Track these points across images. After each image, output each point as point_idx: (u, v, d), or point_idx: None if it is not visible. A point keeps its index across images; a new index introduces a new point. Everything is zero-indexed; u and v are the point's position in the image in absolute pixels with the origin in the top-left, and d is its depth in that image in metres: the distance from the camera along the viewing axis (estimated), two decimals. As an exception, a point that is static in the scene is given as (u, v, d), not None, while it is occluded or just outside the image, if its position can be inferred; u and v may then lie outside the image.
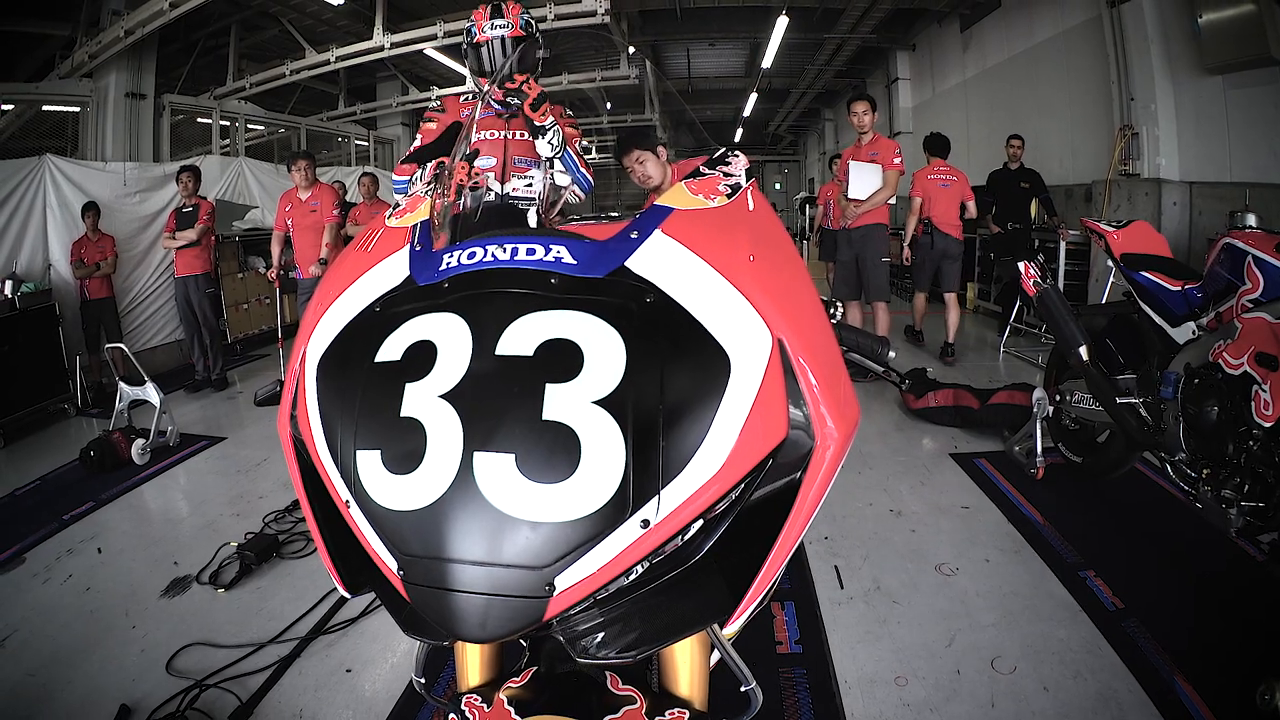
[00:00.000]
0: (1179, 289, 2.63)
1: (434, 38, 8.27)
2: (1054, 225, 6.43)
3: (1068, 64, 7.58)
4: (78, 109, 7.62)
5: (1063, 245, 6.22)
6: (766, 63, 12.54)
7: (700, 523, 0.67)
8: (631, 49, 11.19)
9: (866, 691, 1.91)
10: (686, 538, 0.67)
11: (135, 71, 7.77)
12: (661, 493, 0.62)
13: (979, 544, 2.71)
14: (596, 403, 0.62)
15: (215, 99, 9.42)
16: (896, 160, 4.94)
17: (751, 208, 0.88)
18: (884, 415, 4.34)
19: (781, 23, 10.16)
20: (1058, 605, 2.29)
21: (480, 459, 0.61)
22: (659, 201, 0.83)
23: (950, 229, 5.77)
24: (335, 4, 8.64)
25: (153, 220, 7.22)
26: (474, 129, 2.57)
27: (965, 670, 1.99)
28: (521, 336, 0.65)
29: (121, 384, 4.53)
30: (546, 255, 0.72)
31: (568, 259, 0.72)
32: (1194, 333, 2.53)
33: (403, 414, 0.63)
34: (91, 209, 6.23)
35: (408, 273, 0.75)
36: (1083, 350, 2.80)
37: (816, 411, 0.71)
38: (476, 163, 2.11)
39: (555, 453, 0.61)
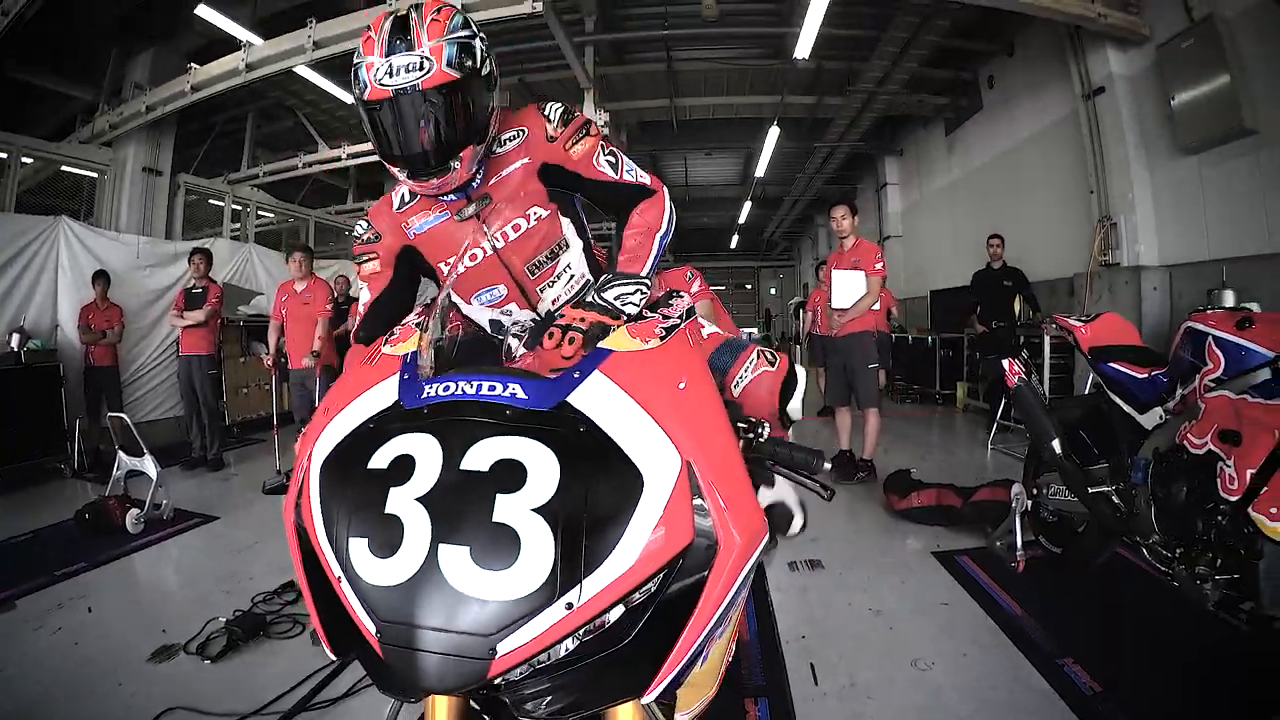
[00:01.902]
0: (1145, 376, 2.71)
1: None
2: (1038, 321, 6.59)
3: (1048, 160, 7.96)
4: (95, 174, 7.95)
5: (1047, 341, 6.35)
6: (759, 171, 13.13)
7: (622, 609, 0.81)
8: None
9: None
10: (612, 622, 0.81)
11: (154, 147, 8.15)
12: (583, 582, 0.77)
13: (957, 638, 2.70)
14: (534, 509, 0.78)
15: (229, 183, 9.84)
16: (878, 266, 5.06)
17: (691, 343, 1.07)
18: (868, 516, 4.36)
19: (773, 133, 10.70)
20: (1034, 694, 2.29)
21: (444, 549, 0.76)
22: (602, 345, 1.01)
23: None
24: (349, 101, 9.16)
25: (160, 295, 7.45)
26: (453, 269, 1.76)
27: None
28: (480, 455, 0.82)
29: (121, 453, 4.62)
30: (504, 391, 0.89)
31: (520, 394, 0.89)
32: (1161, 418, 2.61)
33: (386, 511, 0.79)
34: (102, 277, 6.46)
35: (396, 397, 0.93)
36: (1055, 443, 2.89)
37: (720, 520, 0.86)
38: (480, 309, 1.84)
39: (500, 547, 0.76)
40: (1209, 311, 2.51)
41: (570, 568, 0.77)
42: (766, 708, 2.29)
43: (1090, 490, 2.77)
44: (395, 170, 1.52)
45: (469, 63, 1.40)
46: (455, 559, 0.76)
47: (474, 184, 1.61)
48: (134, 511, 4.27)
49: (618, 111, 10.72)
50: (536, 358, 1.32)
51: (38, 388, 5.95)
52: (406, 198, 1.69)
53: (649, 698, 0.83)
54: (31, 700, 2.42)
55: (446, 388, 0.91)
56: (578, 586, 0.77)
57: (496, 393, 0.89)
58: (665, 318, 1.11)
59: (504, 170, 1.63)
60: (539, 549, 0.76)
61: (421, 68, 1.36)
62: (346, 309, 7.26)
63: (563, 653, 0.80)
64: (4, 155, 7.01)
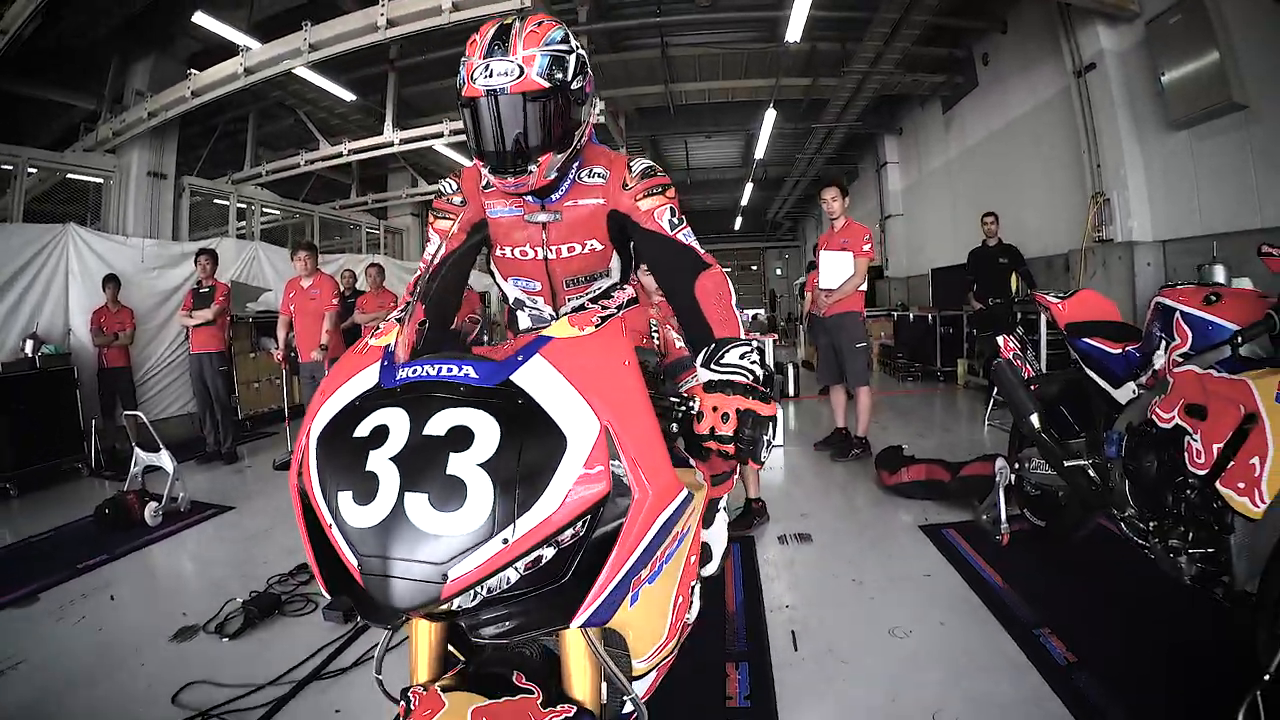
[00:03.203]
0: (1119, 351, 2.77)
1: (440, 135, 8.80)
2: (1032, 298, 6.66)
3: (1042, 137, 7.97)
4: (100, 180, 8.05)
5: (1044, 317, 6.37)
6: (759, 153, 13.16)
7: (553, 549, 1.00)
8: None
9: None
10: (547, 560, 1.00)
11: (157, 151, 8.25)
12: (516, 521, 0.95)
13: (936, 608, 2.79)
14: (479, 465, 0.96)
15: (233, 183, 9.94)
16: (866, 247, 5.09)
17: (624, 330, 1.24)
18: (860, 492, 4.48)
19: (770, 115, 10.71)
20: (1008, 662, 2.36)
21: (409, 496, 0.94)
22: (545, 332, 1.18)
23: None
24: (348, 100, 9.23)
25: (170, 296, 7.58)
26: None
27: None
28: (439, 423, 1.00)
29: (137, 449, 4.78)
30: (459, 372, 1.08)
31: (472, 374, 1.07)
32: (1134, 392, 2.65)
33: (366, 469, 0.97)
34: (112, 281, 6.60)
35: (378, 379, 1.11)
36: (1033, 418, 2.94)
37: (634, 475, 1.04)
38: (513, 286, 2.00)
39: (452, 494, 0.94)
40: (1179, 287, 2.54)
41: (505, 510, 0.94)
42: (747, 671, 2.41)
43: (1066, 464, 2.83)
44: (481, 164, 1.65)
45: (559, 75, 1.52)
46: (417, 504, 0.94)
47: (554, 196, 1.76)
48: (152, 505, 4.43)
49: (614, 98, 10.78)
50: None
51: (53, 391, 6.10)
52: (491, 180, 1.75)
53: (576, 623, 1.01)
54: (58, 683, 2.58)
55: (415, 370, 1.09)
56: (511, 525, 0.94)
57: (454, 373, 1.07)
58: (604, 308, 1.26)
59: (581, 199, 1.77)
60: (481, 495, 0.94)
61: (513, 73, 1.49)
62: (353, 303, 7.39)
63: (506, 584, 0.98)
64: (9, 167, 7.12)
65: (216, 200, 9.80)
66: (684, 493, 1.17)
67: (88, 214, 8.00)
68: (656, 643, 1.29)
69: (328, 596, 1.02)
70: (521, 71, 1.49)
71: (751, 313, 11.52)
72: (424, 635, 1.20)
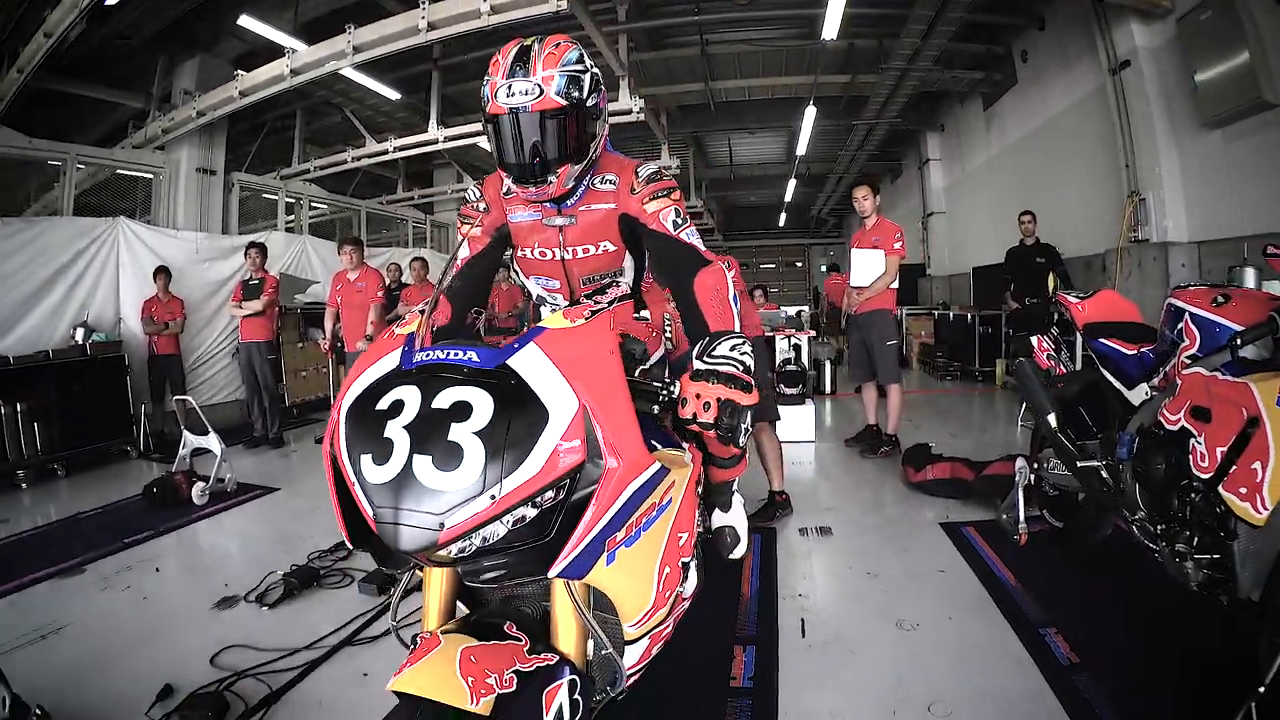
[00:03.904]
0: (1134, 353, 2.74)
1: (483, 133, 8.94)
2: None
3: (1080, 135, 7.83)
4: (150, 176, 8.30)
5: (1078, 318, 6.32)
6: (801, 150, 13.07)
7: (535, 509, 1.15)
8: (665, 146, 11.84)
9: None
10: (531, 518, 1.16)
11: (206, 149, 8.46)
12: (502, 481, 1.11)
13: (946, 603, 2.82)
14: (474, 433, 1.12)
15: (281, 179, 10.21)
16: (897, 245, 5.10)
17: (613, 323, 1.39)
18: (885, 488, 4.50)
19: (810, 112, 10.64)
20: (1011, 659, 2.38)
21: (416, 458, 1.10)
22: (541, 323, 1.35)
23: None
24: (393, 99, 9.44)
25: (220, 287, 7.84)
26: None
27: (901, 712, 2.12)
28: (444, 398, 1.17)
29: (186, 432, 5.01)
30: (464, 356, 1.25)
31: (475, 359, 1.24)
32: (1147, 394, 2.62)
33: (384, 436, 1.14)
34: (163, 272, 6.87)
35: (398, 362, 1.28)
36: (1050, 418, 2.93)
37: (606, 447, 1.22)
38: (535, 284, 2.16)
39: (451, 457, 1.10)
40: (1190, 288, 2.51)
41: (494, 472, 1.11)
42: (753, 654, 2.49)
43: (1079, 465, 2.81)
44: (505, 175, 1.82)
45: (575, 94, 1.68)
46: (423, 464, 1.10)
47: (569, 201, 1.90)
48: (199, 485, 4.64)
49: (655, 96, 10.81)
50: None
51: (104, 377, 6.36)
52: (512, 188, 1.90)
53: (552, 572, 1.18)
54: (101, 644, 2.77)
55: (429, 354, 1.27)
56: (498, 484, 1.11)
57: (459, 357, 1.25)
58: (596, 303, 1.42)
59: (594, 204, 1.91)
60: (475, 459, 1.11)
61: (533, 93, 1.63)
62: (398, 295, 7.58)
63: (496, 537, 1.14)
64: (58, 162, 7.38)
65: (265, 195, 10.07)
66: (655, 467, 1.34)
67: (137, 208, 8.26)
68: (643, 608, 1.39)
69: (350, 548, 1.22)
70: (541, 91, 1.63)
71: (795, 309, 11.39)
72: (435, 590, 1.37)
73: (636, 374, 1.55)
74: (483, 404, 1.15)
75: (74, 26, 5.94)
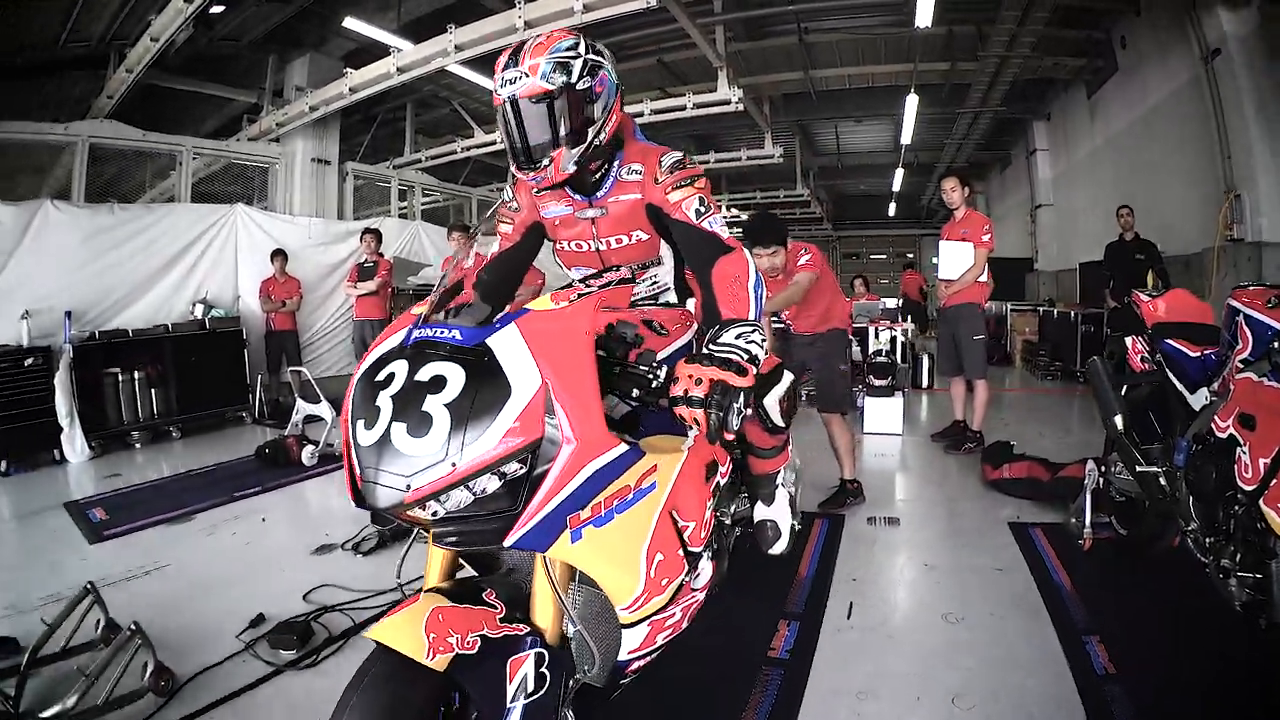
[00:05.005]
0: (1198, 355, 2.64)
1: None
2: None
3: (1180, 126, 7.37)
4: (266, 166, 8.89)
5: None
6: (905, 139, 12.71)
7: (497, 479, 1.22)
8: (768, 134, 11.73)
9: (827, 698, 2.17)
10: (492, 490, 1.23)
11: (320, 140, 8.99)
12: (463, 450, 1.19)
13: (995, 601, 2.80)
14: (444, 405, 1.21)
15: (393, 168, 10.70)
16: (985, 238, 5.01)
17: (596, 307, 1.44)
18: (961, 483, 4.47)
19: (911, 100, 10.37)
20: (1046, 662, 2.34)
21: (394, 425, 1.22)
22: (528, 305, 1.41)
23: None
24: (498, 91, 9.81)
25: (334, 269, 8.35)
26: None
27: (925, 699, 2.15)
28: (426, 372, 1.26)
29: (300, 400, 5.44)
30: (449, 334, 1.33)
31: (458, 336, 1.32)
32: (1207, 398, 2.53)
33: (375, 404, 1.26)
34: (280, 254, 7.40)
35: (403, 338, 1.37)
36: (1117, 419, 2.85)
37: (563, 425, 1.26)
38: (575, 275, 2.18)
39: (423, 425, 1.20)
40: (1250, 288, 2.40)
41: (456, 441, 1.19)
42: (796, 629, 2.60)
43: (1138, 469, 2.73)
44: (511, 163, 1.84)
45: (563, 78, 1.69)
46: (399, 431, 1.21)
47: (599, 193, 1.94)
48: (309, 448, 5.06)
49: (755, 86, 10.77)
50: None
51: (222, 349, 6.96)
52: (517, 176, 1.92)
53: (508, 541, 1.24)
54: (201, 580, 3.14)
55: (423, 333, 1.36)
56: (460, 453, 1.19)
57: (444, 335, 1.33)
58: (587, 286, 1.50)
59: (622, 195, 1.94)
60: (441, 428, 1.20)
61: (520, 80, 1.68)
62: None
63: (462, 505, 1.22)
64: (176, 153, 7.98)
65: (379, 183, 10.60)
66: (620, 449, 1.36)
67: (253, 194, 8.83)
68: (632, 592, 1.40)
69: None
70: (527, 78, 1.68)
71: (892, 302, 11.19)
72: (435, 553, 1.50)
73: (631, 358, 1.52)
74: (456, 378, 1.24)
75: (180, 32, 6.30)
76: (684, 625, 1.65)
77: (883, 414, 5.91)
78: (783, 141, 13.02)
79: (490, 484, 1.22)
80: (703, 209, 1.82)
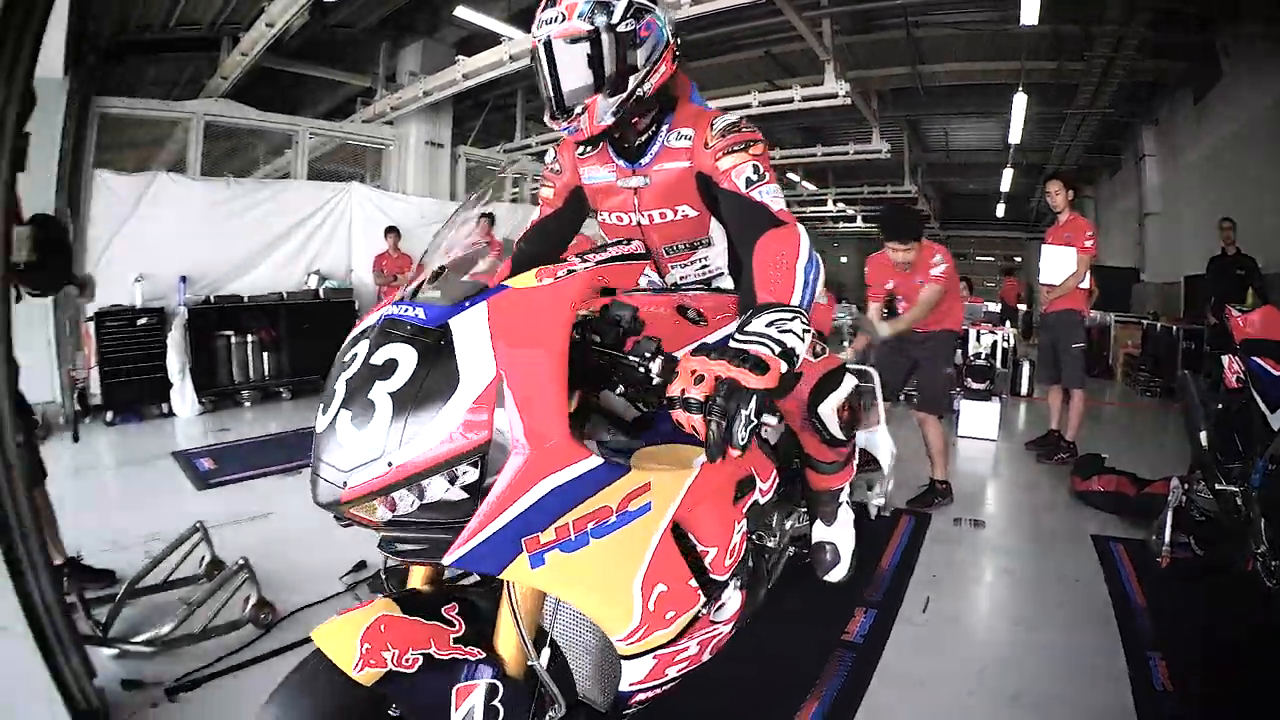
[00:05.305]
0: None
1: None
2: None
3: None
4: (380, 147, 9.23)
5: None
6: (1014, 138, 12.29)
7: (448, 487, 1.06)
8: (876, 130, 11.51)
9: (891, 681, 2.31)
10: (442, 496, 1.07)
11: (433, 124, 9.27)
12: (400, 447, 1.03)
13: (1068, 611, 2.84)
14: (389, 393, 1.06)
15: (504, 152, 10.97)
16: (1088, 243, 4.90)
17: (583, 287, 1.25)
18: (1050, 493, 4.48)
19: (1020, 99, 10.07)
20: (1108, 675, 2.37)
21: (341, 413, 1.07)
22: (507, 281, 1.22)
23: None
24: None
25: (447, 249, 8.79)
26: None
27: (979, 694, 2.26)
28: (381, 354, 1.10)
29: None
30: (413, 313, 1.14)
31: (421, 316, 1.13)
32: None
33: (333, 387, 1.12)
34: (393, 231, 7.78)
35: (380, 316, 1.20)
36: (1202, 435, 2.84)
37: (515, 428, 1.06)
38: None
39: (365, 415, 1.05)
40: None
41: (393, 437, 1.04)
42: (873, 616, 2.73)
43: (1218, 488, 2.73)
44: (545, 112, 1.64)
45: (601, 18, 1.50)
46: (344, 420, 1.07)
47: (643, 160, 1.73)
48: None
49: (862, 79, 10.66)
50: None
51: (335, 318, 7.23)
52: (588, 148, 1.76)
53: (446, 560, 1.05)
54: (299, 527, 3.17)
55: (391, 311, 1.18)
56: (397, 449, 1.03)
57: (408, 314, 1.15)
58: (584, 260, 1.29)
59: (668, 163, 1.71)
60: (381, 419, 1.04)
61: (557, 20, 1.51)
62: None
63: (409, 509, 1.08)
64: (294, 134, 8.32)
65: (490, 166, 10.78)
66: (593, 462, 1.12)
67: (366, 173, 9.16)
68: (626, 626, 1.19)
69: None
70: (563, 17, 1.51)
71: (995, 306, 10.90)
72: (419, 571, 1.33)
73: (627, 346, 1.21)
74: (408, 363, 1.07)
75: (295, 19, 6.49)
76: (705, 657, 1.41)
77: (978, 418, 5.87)
78: (890, 136, 12.72)
79: (439, 488, 1.07)
80: (755, 178, 1.58)
